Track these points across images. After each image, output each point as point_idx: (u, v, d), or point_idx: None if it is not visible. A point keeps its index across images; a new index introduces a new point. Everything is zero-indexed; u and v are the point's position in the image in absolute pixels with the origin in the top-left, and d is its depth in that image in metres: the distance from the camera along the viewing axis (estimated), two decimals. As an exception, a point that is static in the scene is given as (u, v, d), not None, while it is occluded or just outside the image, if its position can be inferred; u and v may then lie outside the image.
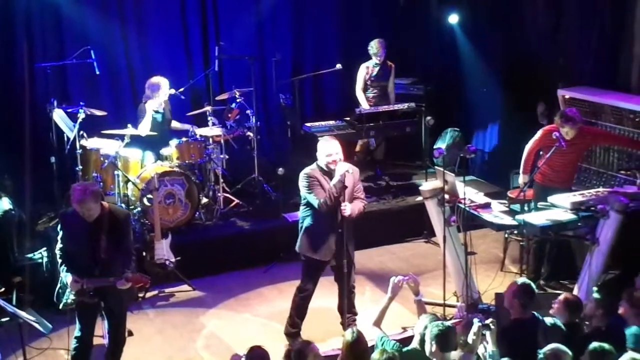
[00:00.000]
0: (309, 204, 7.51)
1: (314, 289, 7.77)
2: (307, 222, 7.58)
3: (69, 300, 6.73)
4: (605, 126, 9.31)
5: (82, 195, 6.54)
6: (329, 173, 7.42)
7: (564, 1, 10.12)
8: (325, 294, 8.14)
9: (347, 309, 7.76)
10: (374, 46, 10.73)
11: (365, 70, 10.86)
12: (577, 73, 10.06)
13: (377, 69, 10.84)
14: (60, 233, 6.80)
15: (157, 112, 9.90)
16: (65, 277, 6.69)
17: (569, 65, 10.19)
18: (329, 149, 7.41)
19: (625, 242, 7.95)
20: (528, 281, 6.50)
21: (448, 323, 5.83)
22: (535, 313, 6.32)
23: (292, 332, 7.85)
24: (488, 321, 5.80)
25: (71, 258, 6.73)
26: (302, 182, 7.46)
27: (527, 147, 8.62)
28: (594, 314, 6.38)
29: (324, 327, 8.03)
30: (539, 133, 8.57)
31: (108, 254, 6.64)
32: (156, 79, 9.91)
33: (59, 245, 6.80)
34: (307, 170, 7.50)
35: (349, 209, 7.34)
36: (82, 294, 6.65)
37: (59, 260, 6.80)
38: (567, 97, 9.68)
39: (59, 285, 6.84)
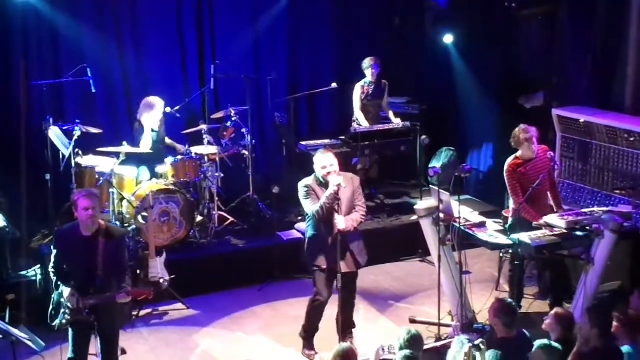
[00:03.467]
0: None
1: (326, 298, 7.78)
2: (310, 231, 7.76)
3: (63, 321, 6.69)
4: (599, 146, 9.33)
5: (89, 192, 6.66)
6: (325, 185, 7.56)
7: (558, 21, 10.17)
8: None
9: (343, 321, 7.80)
10: (366, 62, 10.78)
11: (360, 90, 10.87)
12: (571, 93, 10.10)
13: (372, 87, 10.86)
14: (55, 251, 6.79)
15: (152, 130, 9.92)
16: (60, 293, 6.67)
17: (563, 85, 10.23)
18: (323, 161, 7.58)
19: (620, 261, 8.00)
20: (508, 300, 6.56)
21: (408, 352, 5.84)
22: (524, 331, 6.34)
23: (305, 335, 7.99)
24: (478, 342, 5.79)
25: (67, 276, 6.71)
26: (300, 193, 7.69)
27: (514, 194, 8.26)
28: (590, 333, 6.36)
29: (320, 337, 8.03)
30: (507, 171, 8.28)
31: (105, 270, 6.64)
32: (151, 99, 9.96)
33: (52, 264, 6.79)
34: (304, 180, 7.72)
35: (342, 222, 7.46)
36: (78, 312, 6.62)
37: (53, 278, 6.78)
38: (561, 116, 9.71)
39: (52, 306, 6.80)
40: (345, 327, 7.90)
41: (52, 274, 6.81)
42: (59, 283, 6.75)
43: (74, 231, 6.69)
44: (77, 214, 6.65)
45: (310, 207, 7.57)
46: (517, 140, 8.23)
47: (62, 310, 6.66)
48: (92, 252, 6.61)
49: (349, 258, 7.63)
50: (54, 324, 6.74)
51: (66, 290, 6.62)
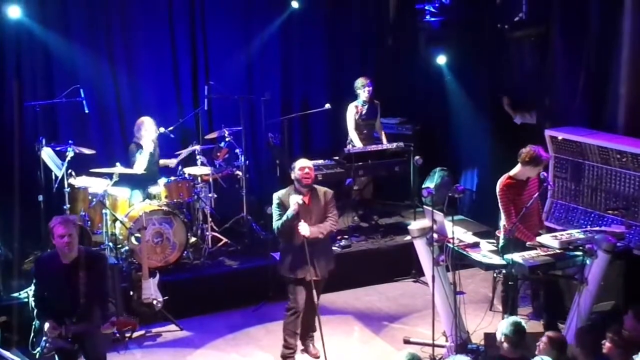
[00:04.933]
0: None
1: (300, 307, 7.96)
2: (282, 243, 8.02)
3: (44, 350, 6.63)
4: (592, 166, 9.35)
5: (65, 219, 6.64)
6: (300, 192, 7.81)
7: (550, 42, 10.20)
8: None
9: (307, 325, 8.18)
10: (359, 82, 10.81)
11: (354, 110, 10.89)
12: (564, 113, 10.12)
13: (365, 107, 10.88)
14: (35, 280, 6.75)
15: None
16: (40, 324, 6.62)
17: (556, 105, 10.25)
18: (304, 163, 7.89)
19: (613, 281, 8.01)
20: (519, 320, 6.51)
21: None
22: (528, 357, 6.32)
23: (287, 353, 8.08)
24: None
25: (49, 304, 6.65)
26: (273, 203, 7.92)
27: (507, 214, 8.14)
28: (580, 353, 6.36)
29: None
30: (502, 190, 8.17)
31: (87, 297, 6.60)
32: (140, 119, 10.00)
33: (33, 292, 6.75)
34: (279, 192, 7.93)
35: (305, 229, 7.63)
36: (60, 341, 6.57)
37: (34, 309, 6.73)
38: (554, 136, 9.72)
39: (32, 334, 6.75)
40: (306, 330, 8.24)
41: (33, 303, 6.76)
42: (40, 314, 6.70)
43: (54, 259, 6.64)
44: (53, 242, 6.60)
45: (275, 221, 7.83)
46: (537, 160, 8.08)
47: (44, 338, 6.60)
48: (72, 281, 6.57)
49: (315, 267, 7.81)
50: (35, 352, 6.69)
51: (46, 325, 6.53)
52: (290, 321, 8.00)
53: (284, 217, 7.69)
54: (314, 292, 7.76)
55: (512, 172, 8.20)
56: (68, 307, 6.59)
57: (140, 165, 9.79)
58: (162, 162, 10.37)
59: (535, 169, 8.13)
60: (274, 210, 7.87)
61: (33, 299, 6.74)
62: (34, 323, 6.74)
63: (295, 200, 7.64)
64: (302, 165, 7.84)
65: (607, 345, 6.22)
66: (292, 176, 7.91)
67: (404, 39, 12.43)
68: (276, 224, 7.81)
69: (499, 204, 8.24)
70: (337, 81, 12.22)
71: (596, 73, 9.72)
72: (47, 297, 6.66)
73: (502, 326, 6.44)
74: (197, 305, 9.33)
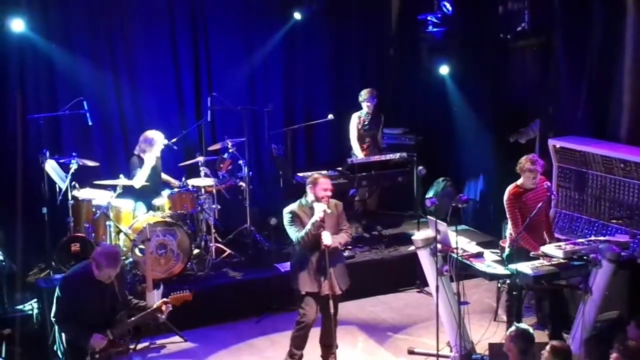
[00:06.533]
0: None
1: (311, 321, 7.90)
2: (296, 256, 7.93)
3: None
4: (596, 175, 9.35)
5: (115, 262, 6.70)
6: (311, 210, 7.74)
7: (552, 51, 10.22)
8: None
9: (327, 342, 8.03)
10: (363, 94, 10.84)
11: (357, 120, 10.93)
12: (567, 123, 10.12)
13: (368, 118, 10.90)
14: (65, 302, 6.70)
15: (149, 164, 9.95)
16: (78, 348, 6.66)
17: (559, 114, 10.26)
18: (325, 184, 7.80)
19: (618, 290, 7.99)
20: (527, 327, 6.50)
21: None
22: None
23: None
24: None
25: (84, 322, 6.67)
26: (284, 219, 7.88)
27: (514, 222, 8.28)
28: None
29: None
30: (509, 199, 8.30)
31: (120, 303, 6.85)
32: (151, 133, 9.94)
33: (63, 314, 6.72)
34: (289, 207, 7.90)
35: (328, 238, 7.60)
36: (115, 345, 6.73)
37: (71, 334, 6.75)
38: (557, 146, 9.73)
39: None
40: (327, 347, 8.09)
41: (66, 331, 6.79)
42: (73, 333, 6.73)
43: (85, 276, 6.71)
44: (107, 270, 6.66)
45: (294, 233, 7.75)
46: (520, 168, 8.22)
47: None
48: (108, 290, 6.75)
49: (331, 281, 7.77)
50: None
51: (92, 338, 6.59)
52: (299, 334, 7.95)
53: (308, 226, 7.63)
54: (331, 306, 7.70)
55: (519, 181, 8.25)
56: (105, 317, 6.74)
57: (139, 179, 9.75)
58: (164, 177, 10.34)
59: (524, 176, 8.20)
60: (289, 225, 7.80)
61: (59, 322, 6.74)
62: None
63: (321, 208, 7.60)
64: (326, 187, 7.77)
65: (613, 355, 6.20)
66: (308, 190, 7.84)
67: (407, 49, 12.45)
68: (297, 235, 7.71)
69: (506, 212, 8.27)
70: (339, 92, 12.24)
71: (599, 82, 9.73)
72: (81, 315, 6.68)
73: (510, 333, 6.43)
74: (201, 316, 9.29)
